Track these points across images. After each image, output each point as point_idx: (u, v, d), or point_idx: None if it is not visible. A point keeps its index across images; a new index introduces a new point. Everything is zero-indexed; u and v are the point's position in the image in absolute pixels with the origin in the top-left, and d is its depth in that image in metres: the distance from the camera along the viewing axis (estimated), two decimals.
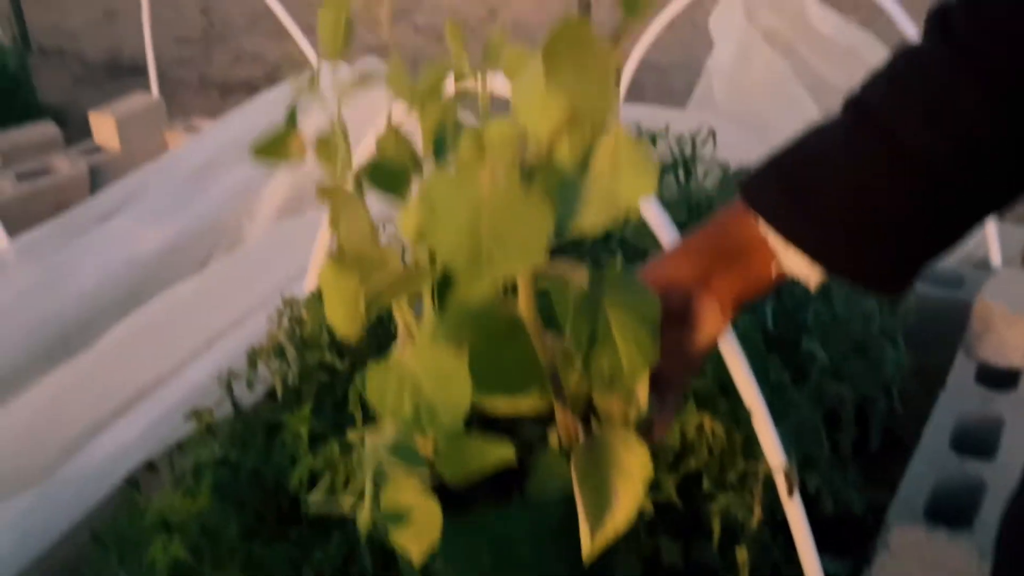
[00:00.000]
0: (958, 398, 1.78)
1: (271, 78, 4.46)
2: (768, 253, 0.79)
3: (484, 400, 0.74)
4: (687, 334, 0.81)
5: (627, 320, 0.68)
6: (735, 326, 1.23)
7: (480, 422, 0.80)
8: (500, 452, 0.73)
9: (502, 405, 0.76)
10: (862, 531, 1.63)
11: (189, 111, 3.95)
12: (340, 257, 0.71)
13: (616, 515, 0.72)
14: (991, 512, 1.52)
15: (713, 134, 2.36)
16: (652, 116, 2.66)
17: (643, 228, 1.93)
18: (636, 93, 3.34)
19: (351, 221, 0.77)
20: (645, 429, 0.79)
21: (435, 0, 5.40)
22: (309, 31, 2.98)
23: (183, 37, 5.01)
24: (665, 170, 2.38)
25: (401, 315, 0.81)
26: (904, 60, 0.75)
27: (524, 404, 0.76)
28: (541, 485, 0.77)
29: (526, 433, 0.81)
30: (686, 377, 0.85)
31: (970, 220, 0.75)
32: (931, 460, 1.65)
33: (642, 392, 0.76)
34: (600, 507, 0.72)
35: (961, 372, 1.85)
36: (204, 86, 4.48)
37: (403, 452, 0.72)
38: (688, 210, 2.21)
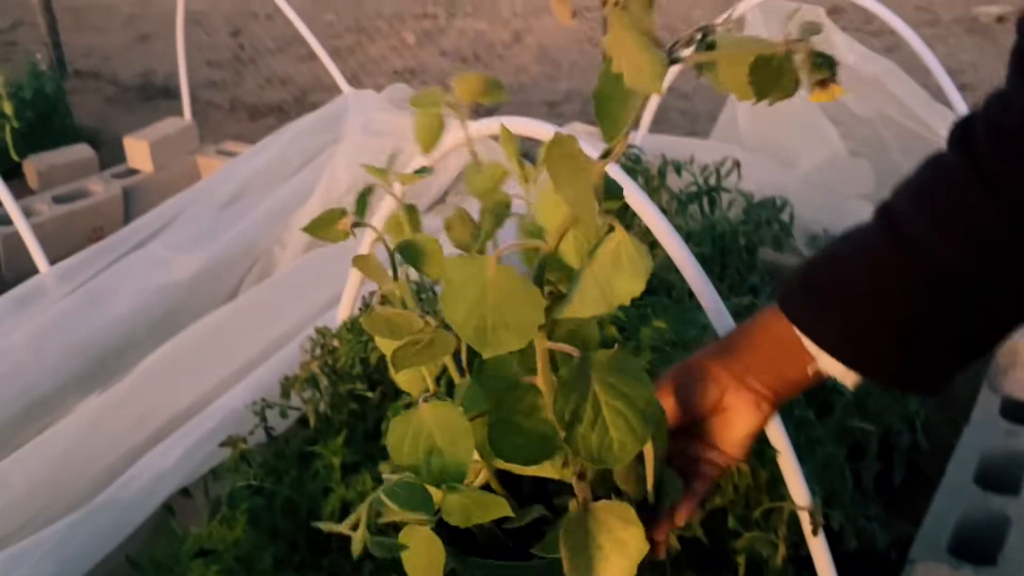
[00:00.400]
0: (982, 433, 1.79)
1: (300, 102, 4.52)
2: (806, 354, 0.82)
3: (506, 464, 0.80)
4: (721, 426, 0.86)
5: (617, 402, 0.72)
6: None
7: (507, 477, 0.84)
8: (498, 508, 0.78)
9: (526, 468, 0.81)
10: (886, 567, 1.64)
11: (219, 133, 4.02)
12: (372, 322, 0.78)
13: None
14: (1016, 548, 1.53)
15: (738, 164, 2.39)
16: (677, 146, 2.70)
17: (666, 260, 1.95)
18: (661, 117, 3.38)
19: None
20: (668, 511, 0.83)
21: (461, 25, 5.46)
22: (335, 55, 3.04)
23: (214, 60, 5.09)
24: (690, 199, 2.41)
25: (426, 374, 0.87)
26: (930, 172, 0.78)
27: (544, 469, 0.81)
28: (551, 545, 0.80)
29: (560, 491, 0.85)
30: (720, 466, 0.88)
31: (1001, 329, 0.77)
32: (955, 495, 1.66)
33: (648, 472, 0.80)
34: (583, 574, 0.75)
35: (985, 406, 1.86)
36: (234, 109, 4.55)
37: (413, 493, 0.77)
38: (712, 240, 2.24)
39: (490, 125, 1.47)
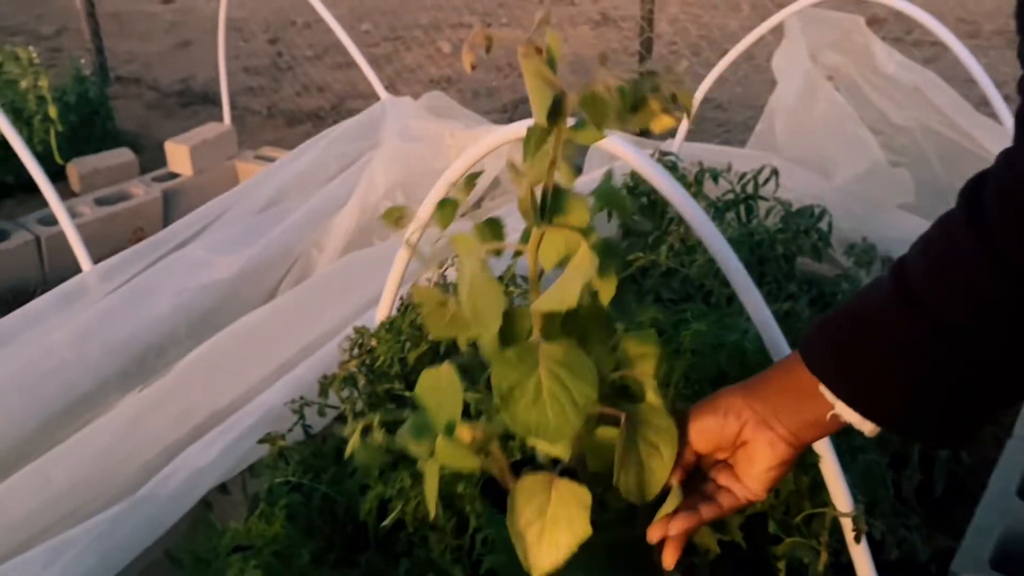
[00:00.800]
0: None
1: (337, 109, 4.57)
2: (825, 401, 0.86)
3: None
4: (744, 459, 0.93)
5: (556, 386, 0.86)
6: None
7: None
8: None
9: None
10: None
11: (257, 139, 4.07)
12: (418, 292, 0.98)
13: None
14: None
15: (776, 173, 2.37)
16: (714, 154, 2.69)
17: (705, 267, 1.95)
18: (696, 127, 3.37)
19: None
20: (663, 518, 0.95)
21: (494, 34, 5.48)
22: (372, 64, 3.07)
23: (252, 67, 5.16)
24: (727, 207, 2.40)
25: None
26: (939, 230, 0.80)
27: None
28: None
29: None
30: (738, 498, 0.96)
31: (1014, 386, 0.78)
32: (997, 508, 1.63)
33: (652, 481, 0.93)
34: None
35: None
36: (271, 115, 4.60)
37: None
38: (750, 248, 2.23)
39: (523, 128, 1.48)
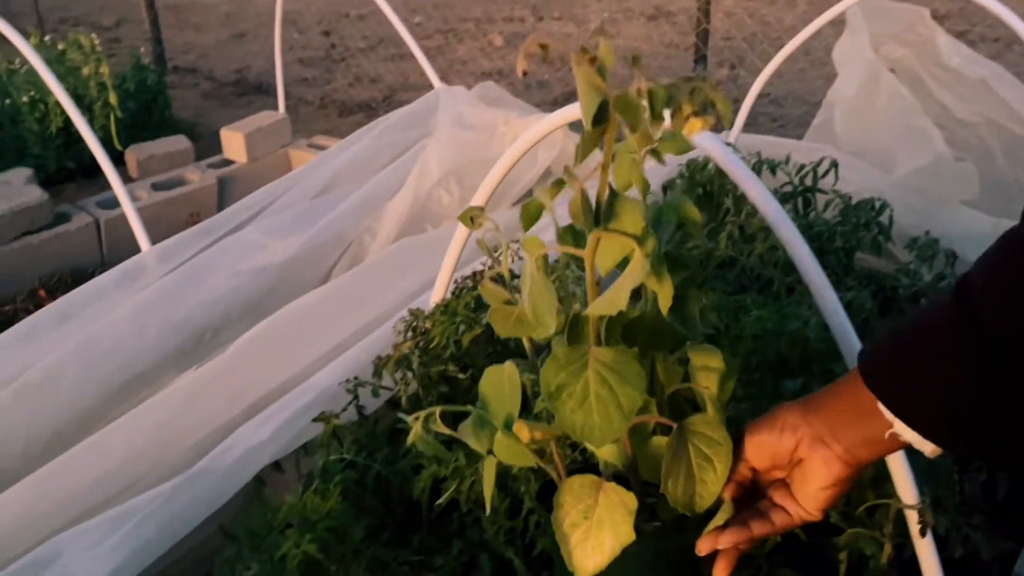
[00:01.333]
0: None
1: (388, 100, 4.59)
2: (884, 420, 0.84)
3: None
4: (800, 477, 0.91)
5: (603, 390, 0.88)
6: None
7: None
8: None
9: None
10: None
11: (310, 129, 4.11)
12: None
13: None
14: None
15: (835, 165, 2.33)
16: (772, 146, 2.65)
17: (764, 255, 1.92)
18: (751, 121, 3.33)
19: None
20: (712, 531, 0.94)
21: (548, 27, 5.47)
22: (424, 55, 3.07)
23: (306, 58, 5.21)
24: (784, 199, 2.36)
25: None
26: (1002, 245, 0.76)
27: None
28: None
29: None
30: (791, 517, 0.93)
31: None
32: None
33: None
34: None
35: None
36: (324, 105, 4.64)
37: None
38: (809, 240, 2.19)
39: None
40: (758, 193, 1.20)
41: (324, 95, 4.76)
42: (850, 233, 2.13)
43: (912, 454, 1.42)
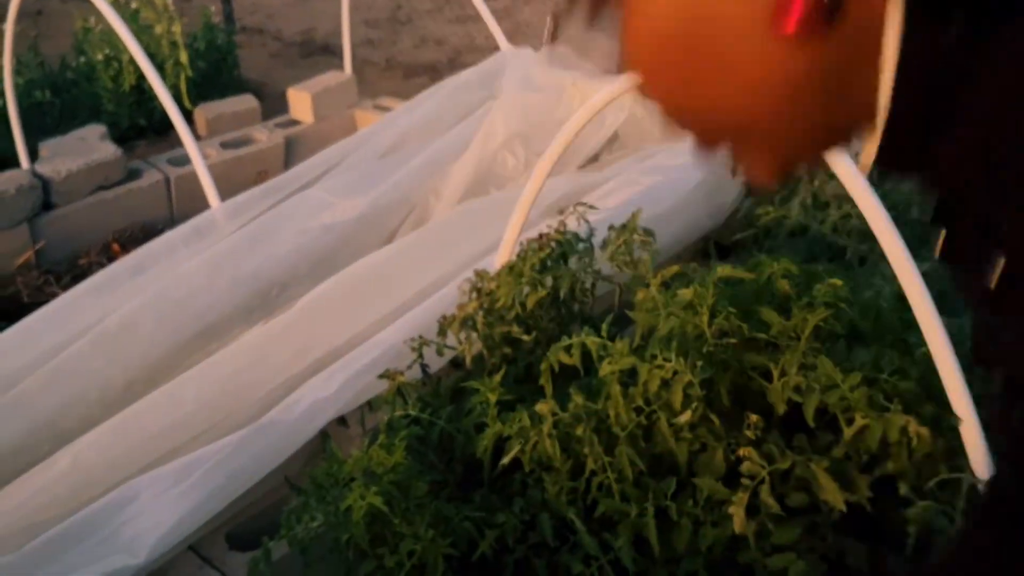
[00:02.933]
0: None
1: (453, 62, 4.58)
2: None
3: None
4: None
5: None
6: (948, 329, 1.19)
7: None
8: None
9: None
10: None
11: (375, 90, 4.12)
12: None
13: None
14: None
15: None
16: None
17: (837, 223, 1.87)
18: None
19: None
20: None
21: None
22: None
23: (372, 20, 5.22)
24: None
25: None
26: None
27: None
28: None
29: None
30: None
31: None
32: None
33: None
34: None
35: None
36: (389, 67, 4.65)
37: None
38: (886, 210, 2.14)
39: None
40: (834, 158, 1.18)
41: (390, 57, 4.77)
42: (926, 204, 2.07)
43: (986, 428, 1.39)
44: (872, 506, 1.29)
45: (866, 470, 1.28)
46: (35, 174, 2.81)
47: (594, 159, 2.77)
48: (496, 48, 3.07)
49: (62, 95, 3.70)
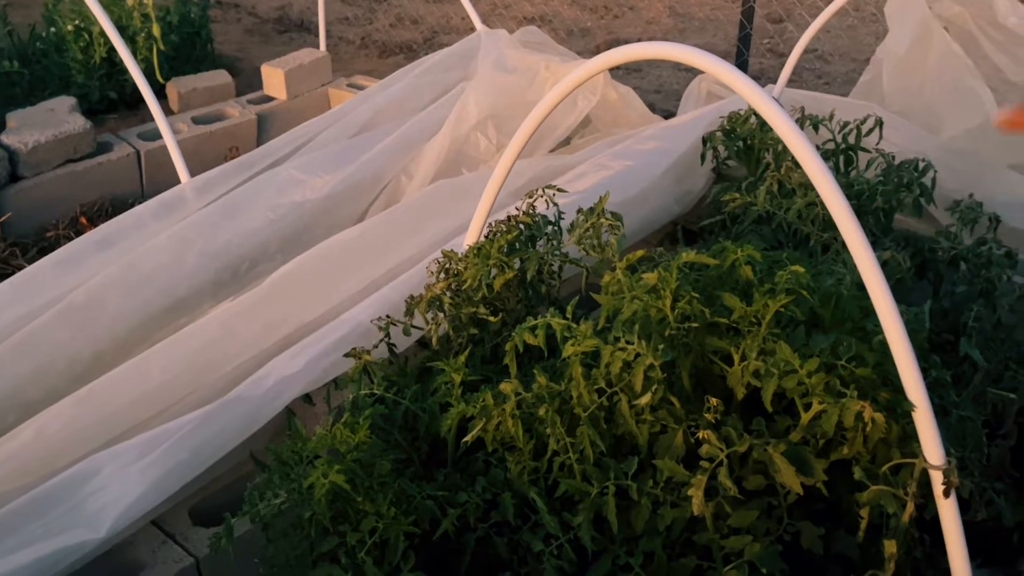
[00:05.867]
0: None
1: (429, 42, 4.56)
2: None
3: None
4: None
5: None
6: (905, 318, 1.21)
7: None
8: None
9: None
10: (1009, 544, 1.57)
11: (350, 68, 4.09)
12: None
13: None
14: None
15: (880, 123, 2.29)
16: (816, 103, 2.60)
17: (803, 211, 1.90)
18: (795, 77, 3.26)
19: None
20: None
21: None
22: None
23: None
24: (826, 157, 2.32)
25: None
26: None
27: None
28: None
29: None
30: None
31: None
32: None
33: None
34: None
35: None
36: (365, 45, 4.62)
37: None
38: (849, 199, 2.16)
39: (631, 51, 1.45)
40: (800, 145, 1.19)
41: (365, 35, 4.73)
42: (891, 193, 2.10)
43: (940, 415, 1.42)
44: (827, 490, 1.32)
45: (822, 454, 1.31)
46: (2, 145, 2.77)
47: (566, 143, 2.78)
48: (472, 29, 3.06)
49: (31, 66, 3.64)
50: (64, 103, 3.08)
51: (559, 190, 1.81)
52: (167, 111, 3.49)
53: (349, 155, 2.52)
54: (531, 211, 1.83)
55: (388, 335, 1.72)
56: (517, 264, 1.74)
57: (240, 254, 2.15)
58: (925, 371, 1.44)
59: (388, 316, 1.72)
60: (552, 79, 2.61)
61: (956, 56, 2.46)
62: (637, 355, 1.29)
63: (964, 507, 1.37)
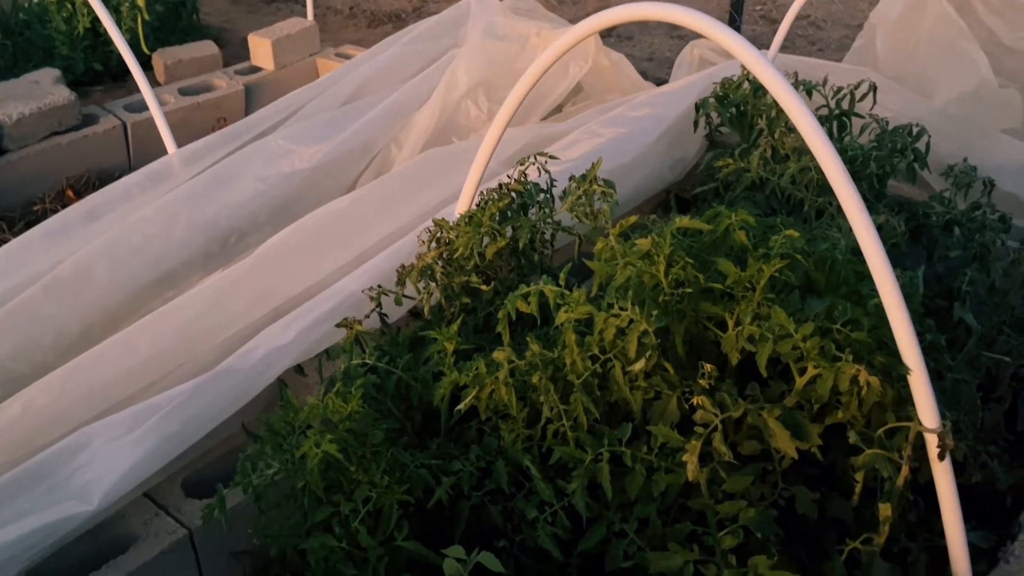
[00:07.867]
0: None
1: (419, 11, 4.51)
2: None
3: None
4: None
5: None
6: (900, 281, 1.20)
7: None
8: None
9: None
10: (1003, 507, 1.58)
11: (338, 38, 4.04)
12: None
13: None
14: None
15: (874, 88, 2.27)
16: (809, 68, 2.57)
17: (796, 176, 1.88)
18: (788, 43, 3.23)
19: None
20: None
21: None
22: None
23: None
24: (820, 122, 2.29)
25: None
26: None
27: None
28: None
29: None
30: None
31: None
32: None
33: None
34: None
35: None
36: (354, 15, 4.56)
37: None
38: None
39: (622, 13, 1.42)
40: (795, 106, 1.17)
41: (354, 4, 4.68)
42: (885, 158, 2.08)
43: (935, 379, 1.42)
44: (822, 454, 1.31)
45: (817, 419, 1.30)
46: None
47: (557, 110, 2.75)
48: None
49: (15, 37, 3.58)
50: (48, 75, 3.04)
51: (551, 157, 1.79)
52: (153, 82, 3.44)
53: (338, 125, 2.49)
54: (523, 179, 1.81)
55: (380, 305, 1.71)
56: (509, 232, 1.72)
57: (229, 225, 2.12)
58: (920, 335, 1.43)
59: (379, 286, 1.70)
60: (543, 46, 2.58)
61: (950, 20, 2.44)
62: (631, 321, 1.28)
63: (958, 470, 1.37)
